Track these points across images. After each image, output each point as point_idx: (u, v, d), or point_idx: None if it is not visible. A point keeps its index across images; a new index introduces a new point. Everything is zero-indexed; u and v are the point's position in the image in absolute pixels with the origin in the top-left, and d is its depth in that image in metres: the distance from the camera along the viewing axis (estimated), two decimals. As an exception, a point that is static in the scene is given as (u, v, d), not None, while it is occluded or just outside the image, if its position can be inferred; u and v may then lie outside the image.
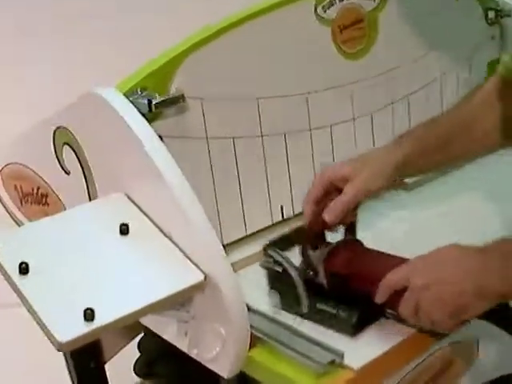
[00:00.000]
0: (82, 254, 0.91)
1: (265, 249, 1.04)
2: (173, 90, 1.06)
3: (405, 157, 1.02)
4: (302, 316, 1.00)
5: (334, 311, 0.98)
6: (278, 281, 1.02)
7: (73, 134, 1.08)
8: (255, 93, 1.13)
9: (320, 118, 1.21)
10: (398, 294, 0.90)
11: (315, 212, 1.00)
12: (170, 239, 0.94)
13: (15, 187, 1.35)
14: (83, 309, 0.81)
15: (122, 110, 0.95)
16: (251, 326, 0.96)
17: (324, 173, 1.02)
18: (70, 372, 1.55)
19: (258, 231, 1.20)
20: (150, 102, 1.02)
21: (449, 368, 0.97)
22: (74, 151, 1.10)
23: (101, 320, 0.82)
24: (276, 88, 1.16)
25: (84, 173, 1.09)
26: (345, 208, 0.98)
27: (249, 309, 0.99)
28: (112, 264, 0.90)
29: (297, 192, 1.21)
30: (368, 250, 1.03)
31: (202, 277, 0.89)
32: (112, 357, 1.55)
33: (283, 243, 1.07)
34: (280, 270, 1.00)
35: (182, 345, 0.98)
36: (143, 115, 0.98)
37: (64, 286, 0.86)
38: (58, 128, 1.12)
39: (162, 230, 0.95)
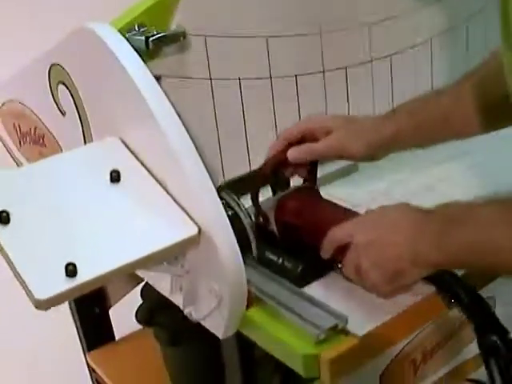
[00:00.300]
0: (68, 203, 0.85)
1: (218, 190, 0.96)
2: (173, 27, 0.98)
3: (395, 131, 0.95)
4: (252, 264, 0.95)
5: (280, 261, 0.93)
6: (231, 224, 0.94)
7: (67, 73, 1.01)
8: (263, 31, 1.04)
9: (333, 60, 1.12)
10: (343, 249, 0.85)
11: (281, 152, 0.96)
12: (165, 188, 0.87)
13: (14, 126, 1.30)
14: (65, 264, 0.75)
15: (114, 46, 0.87)
16: (249, 283, 0.90)
17: (307, 118, 0.99)
18: (73, 317, 1.54)
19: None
20: (147, 38, 0.95)
21: (463, 329, 0.92)
22: (69, 91, 1.03)
23: (83, 276, 0.76)
24: (286, 26, 1.06)
25: (79, 114, 1.03)
26: (312, 155, 0.95)
27: (247, 264, 0.94)
28: (99, 214, 0.84)
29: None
30: (323, 200, 0.98)
31: (195, 230, 0.82)
32: (116, 302, 1.52)
33: (241, 185, 1.01)
34: (230, 214, 0.94)
35: (177, 300, 0.92)
36: (140, 53, 0.90)
37: (46, 238, 0.80)
38: (53, 65, 1.05)
39: (156, 179, 0.88)
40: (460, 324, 0.92)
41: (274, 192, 1.00)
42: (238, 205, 0.95)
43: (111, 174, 0.87)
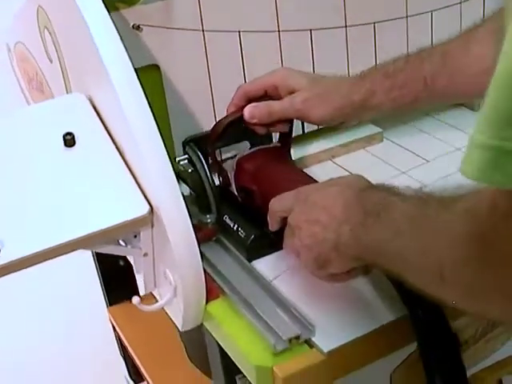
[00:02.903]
0: (12, 169, 0.75)
1: (183, 144, 0.88)
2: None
3: (366, 95, 0.85)
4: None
5: (235, 228, 0.84)
6: (193, 182, 0.88)
7: (48, 17, 0.91)
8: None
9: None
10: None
11: (240, 108, 0.86)
12: (124, 159, 0.76)
13: (24, 70, 1.21)
14: (-10, 241, 0.66)
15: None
16: (217, 272, 0.79)
17: (272, 72, 0.88)
18: (96, 269, 1.47)
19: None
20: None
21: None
22: (51, 37, 0.93)
23: (8, 256, 0.67)
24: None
25: (60, 64, 0.92)
26: (270, 115, 0.85)
27: (225, 247, 0.83)
28: (43, 184, 0.74)
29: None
30: (287, 164, 0.88)
31: (145, 210, 0.71)
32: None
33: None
34: (189, 171, 0.86)
35: (140, 281, 0.82)
36: (112, -1, 0.79)
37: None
38: (39, 7, 0.94)
39: (117, 146, 0.77)
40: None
41: None
42: (201, 162, 0.86)
43: (64, 136, 0.76)
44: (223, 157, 0.93)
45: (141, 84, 0.82)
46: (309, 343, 0.70)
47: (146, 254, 0.77)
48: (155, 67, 0.88)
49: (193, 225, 0.83)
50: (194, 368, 1.16)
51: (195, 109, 0.92)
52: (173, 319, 0.81)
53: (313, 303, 0.75)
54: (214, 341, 0.81)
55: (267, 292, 0.76)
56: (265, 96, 0.86)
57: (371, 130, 1.04)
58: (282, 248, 0.78)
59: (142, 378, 1.37)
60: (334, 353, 0.69)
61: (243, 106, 0.86)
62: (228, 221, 0.85)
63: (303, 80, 0.86)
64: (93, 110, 0.81)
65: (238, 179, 0.88)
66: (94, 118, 0.80)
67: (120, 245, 0.77)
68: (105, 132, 0.79)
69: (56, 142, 0.77)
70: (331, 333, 0.71)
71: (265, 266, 0.81)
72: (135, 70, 0.84)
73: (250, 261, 0.82)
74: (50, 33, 0.92)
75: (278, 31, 0.93)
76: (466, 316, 0.78)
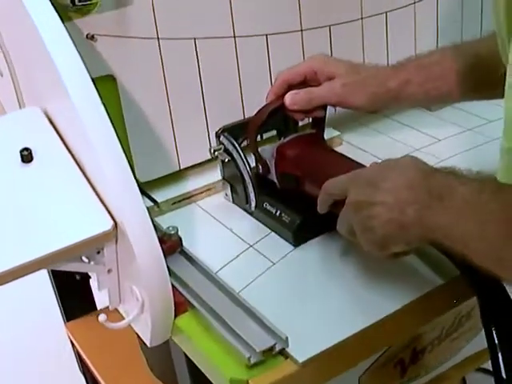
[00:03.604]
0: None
1: (217, 134, 0.89)
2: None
3: (401, 84, 0.86)
4: (251, 215, 0.91)
5: (278, 213, 0.86)
6: (229, 172, 0.91)
7: (-3, 28, 0.88)
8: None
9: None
10: (341, 204, 0.74)
11: (280, 96, 0.87)
12: (84, 173, 0.74)
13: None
14: None
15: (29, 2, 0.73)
16: (184, 285, 0.78)
17: (310, 59, 0.90)
18: (52, 285, 1.44)
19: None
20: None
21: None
22: (1, 49, 0.90)
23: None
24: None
25: (11, 77, 0.90)
26: (311, 101, 0.86)
27: (190, 259, 0.81)
28: (1, 204, 0.71)
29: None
30: (326, 149, 0.90)
31: (109, 225, 0.69)
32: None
33: (243, 132, 0.90)
34: (226, 160, 0.89)
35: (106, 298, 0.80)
36: (65, 9, 0.76)
37: None
38: (-14, 18, 0.91)
39: (76, 160, 0.75)
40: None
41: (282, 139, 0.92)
42: (237, 151, 0.87)
43: (21, 152, 0.74)
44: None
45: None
46: (283, 353, 0.69)
47: (110, 270, 0.75)
48: (110, 78, 0.85)
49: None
50: (157, 380, 1.14)
51: (153, 120, 0.90)
52: (140, 335, 0.79)
53: (283, 312, 0.74)
54: (182, 354, 0.79)
55: (236, 303, 0.75)
56: (303, 83, 0.87)
57: (330, 133, 1.04)
58: (326, 232, 0.82)
59: (103, 394, 1.34)
60: (309, 363, 0.68)
61: (283, 94, 0.86)
62: (269, 207, 0.87)
63: (342, 66, 0.87)
64: (49, 124, 0.79)
65: (279, 166, 0.87)
66: (50, 132, 0.78)
67: (83, 261, 0.75)
68: (63, 146, 0.77)
69: (12, 158, 0.74)
70: (305, 342, 0.70)
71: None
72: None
73: (296, 246, 0.84)
74: (0, 46, 0.89)
75: (234, 37, 0.92)
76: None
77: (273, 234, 0.87)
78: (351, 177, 0.75)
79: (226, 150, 0.89)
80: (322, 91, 0.86)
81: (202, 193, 0.95)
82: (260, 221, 0.90)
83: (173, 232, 0.82)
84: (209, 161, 0.96)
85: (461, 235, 0.64)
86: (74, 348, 1.44)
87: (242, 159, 0.87)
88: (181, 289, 0.77)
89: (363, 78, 0.86)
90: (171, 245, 0.83)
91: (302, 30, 0.97)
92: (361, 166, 0.81)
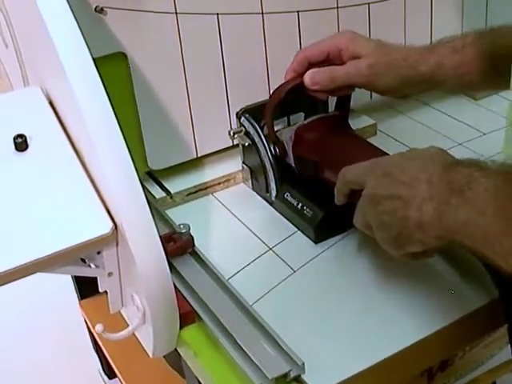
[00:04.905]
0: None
1: (238, 116, 0.83)
2: None
3: (434, 68, 0.78)
4: (271, 205, 0.84)
5: (300, 206, 0.80)
6: (249, 156, 0.84)
7: (1, -2, 0.80)
8: None
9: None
10: (360, 195, 0.67)
11: (300, 74, 0.79)
12: (84, 165, 0.66)
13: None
14: None
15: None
16: (192, 292, 0.70)
17: (335, 36, 0.82)
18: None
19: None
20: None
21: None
22: (5, 20, 0.82)
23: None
24: None
25: (15, 49, 0.82)
26: (333, 81, 0.78)
27: (201, 262, 0.73)
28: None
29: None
30: (349, 133, 0.82)
31: (108, 228, 0.62)
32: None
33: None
34: (246, 144, 0.83)
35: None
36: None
37: None
38: (-9, -15, 0.83)
39: (75, 149, 0.67)
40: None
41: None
42: (259, 134, 0.81)
43: (15, 139, 0.66)
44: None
45: (104, 76, 0.72)
46: (298, 380, 0.61)
47: (110, 274, 0.68)
48: (121, 55, 0.77)
49: (165, 236, 0.74)
50: (166, 365, 1.08)
51: (168, 102, 0.82)
52: (143, 344, 0.71)
53: (302, 331, 0.66)
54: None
55: (249, 318, 0.67)
56: (326, 61, 0.79)
57: (364, 121, 0.95)
58: (351, 228, 0.76)
59: (115, 374, 1.30)
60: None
61: (303, 72, 0.79)
62: (290, 198, 0.81)
63: (370, 45, 0.79)
64: (49, 107, 0.71)
65: (297, 150, 0.81)
66: (49, 117, 0.70)
67: (81, 263, 0.68)
68: (62, 132, 0.69)
69: (5, 145, 0.67)
70: (324, 369, 0.62)
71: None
72: (98, 58, 0.75)
73: (316, 242, 0.78)
74: (3, 15, 0.81)
75: (262, 13, 0.83)
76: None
77: (294, 235, 0.79)
78: (369, 165, 0.69)
79: (247, 133, 0.82)
80: (346, 70, 0.78)
81: (219, 183, 0.87)
82: (280, 212, 0.83)
83: (184, 231, 0.75)
84: (229, 148, 0.87)
85: (483, 233, 0.57)
86: (88, 326, 1.40)
87: (264, 144, 0.81)
88: (188, 296, 0.70)
89: (392, 60, 0.79)
90: (182, 245, 0.75)
91: (337, 7, 0.88)
92: (384, 154, 0.75)
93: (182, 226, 0.75)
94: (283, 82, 0.80)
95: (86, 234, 0.61)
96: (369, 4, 0.91)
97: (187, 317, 0.68)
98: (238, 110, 0.83)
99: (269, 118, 0.80)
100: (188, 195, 0.85)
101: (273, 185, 0.82)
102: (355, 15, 0.90)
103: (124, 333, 0.69)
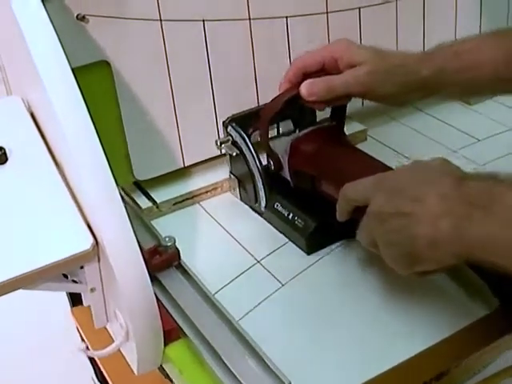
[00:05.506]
0: None
1: (225, 125, 0.82)
2: None
3: (435, 72, 0.74)
4: (261, 215, 0.83)
5: (291, 217, 0.78)
6: (237, 165, 0.83)
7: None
8: None
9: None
10: (363, 211, 0.65)
11: (296, 84, 0.76)
12: (65, 179, 0.64)
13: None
14: None
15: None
16: (177, 308, 0.68)
17: (333, 45, 0.79)
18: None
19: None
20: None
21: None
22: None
23: None
24: None
25: (-3, 57, 0.80)
26: (329, 92, 0.75)
27: (187, 275, 0.72)
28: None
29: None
30: (348, 145, 0.80)
31: (88, 244, 0.60)
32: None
33: (252, 122, 0.81)
34: (234, 154, 0.81)
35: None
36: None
37: None
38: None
39: (57, 163, 0.66)
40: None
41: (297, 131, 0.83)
42: (246, 144, 0.80)
43: (-6, 152, 0.65)
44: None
45: (87, 85, 0.71)
46: (285, 402, 0.60)
47: (93, 289, 0.66)
48: (105, 64, 0.75)
49: (150, 250, 0.73)
50: (159, 373, 1.07)
51: (153, 111, 0.80)
52: (128, 361, 0.70)
53: (290, 348, 0.64)
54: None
55: (235, 334, 0.65)
56: (321, 70, 0.77)
57: (354, 127, 0.93)
58: (343, 239, 0.75)
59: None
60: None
61: (298, 82, 0.76)
62: (280, 209, 0.79)
63: (367, 53, 0.76)
64: (30, 118, 0.69)
65: (293, 163, 0.79)
66: (30, 128, 0.68)
67: (64, 278, 0.66)
68: (43, 145, 0.67)
69: (-15, 158, 0.65)
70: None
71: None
72: (81, 67, 0.73)
73: (309, 253, 0.76)
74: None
75: (249, 19, 0.81)
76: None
77: (283, 247, 0.77)
78: (374, 182, 0.66)
79: (234, 143, 0.80)
80: (343, 80, 0.76)
81: (206, 192, 0.85)
82: (270, 223, 0.81)
83: (169, 244, 0.73)
84: (216, 157, 0.86)
85: (508, 247, 0.56)
86: (80, 334, 1.39)
87: (252, 153, 0.79)
88: (173, 312, 0.68)
89: (391, 66, 0.76)
90: (167, 258, 0.73)
91: (327, 13, 0.86)
92: (385, 167, 0.73)
93: (167, 239, 0.73)
94: (278, 93, 0.77)
95: (65, 250, 0.59)
96: (360, 8, 0.89)
97: (172, 333, 0.67)
98: (224, 118, 0.81)
99: (264, 131, 0.78)
100: (175, 204, 0.84)
101: (262, 194, 0.80)
102: (345, 20, 0.89)
103: (108, 350, 0.67)
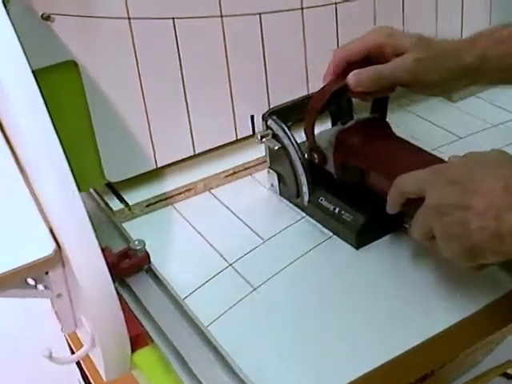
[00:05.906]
0: None
1: (265, 118, 0.79)
2: None
3: (479, 58, 0.74)
4: (303, 211, 0.80)
5: (337, 211, 0.76)
6: (277, 160, 0.81)
7: None
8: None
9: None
10: (413, 204, 0.64)
11: (341, 73, 0.75)
12: (29, 183, 0.63)
13: None
14: None
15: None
16: (145, 313, 0.67)
17: (374, 32, 0.76)
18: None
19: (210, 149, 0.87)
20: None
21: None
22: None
23: None
24: None
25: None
26: (379, 81, 0.74)
27: (157, 280, 0.70)
28: None
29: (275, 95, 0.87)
30: (395, 136, 0.78)
31: (50, 250, 0.58)
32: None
33: (293, 115, 0.79)
34: (276, 148, 0.78)
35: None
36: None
37: None
38: None
39: (21, 168, 0.64)
40: None
41: (335, 124, 0.81)
42: (288, 137, 0.78)
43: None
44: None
45: (53, 86, 0.70)
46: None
47: (59, 295, 0.64)
48: (72, 64, 0.73)
49: (120, 253, 0.71)
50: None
51: (124, 111, 0.78)
52: (96, 367, 0.68)
53: (260, 356, 0.62)
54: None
55: (204, 340, 0.63)
56: (365, 60, 0.75)
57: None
58: (390, 232, 0.75)
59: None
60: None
61: (342, 73, 0.75)
62: (325, 203, 0.77)
63: (411, 39, 0.75)
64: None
65: (339, 156, 0.77)
66: (-5, 133, 0.67)
67: (27, 284, 0.64)
68: (7, 148, 0.66)
69: None
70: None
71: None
72: (47, 68, 0.72)
73: (358, 248, 0.75)
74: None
75: (221, 16, 0.79)
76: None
77: (256, 250, 0.75)
78: (430, 173, 0.65)
79: (275, 136, 0.78)
80: (392, 68, 0.74)
81: (180, 194, 0.84)
82: (314, 218, 0.79)
83: (139, 247, 0.71)
84: (189, 158, 0.84)
85: None
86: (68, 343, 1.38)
87: (295, 146, 0.77)
88: (141, 317, 0.67)
89: (438, 53, 0.75)
90: (137, 262, 0.72)
91: (302, 8, 0.84)
92: (438, 159, 0.71)
93: (137, 242, 0.72)
94: (322, 85, 0.76)
95: (27, 255, 0.58)
96: (336, 4, 0.87)
97: (139, 339, 0.65)
98: (196, 118, 0.79)
99: (310, 124, 0.76)
100: (147, 206, 0.82)
101: (305, 189, 0.78)
102: (322, 16, 0.87)
103: (74, 357, 0.66)
